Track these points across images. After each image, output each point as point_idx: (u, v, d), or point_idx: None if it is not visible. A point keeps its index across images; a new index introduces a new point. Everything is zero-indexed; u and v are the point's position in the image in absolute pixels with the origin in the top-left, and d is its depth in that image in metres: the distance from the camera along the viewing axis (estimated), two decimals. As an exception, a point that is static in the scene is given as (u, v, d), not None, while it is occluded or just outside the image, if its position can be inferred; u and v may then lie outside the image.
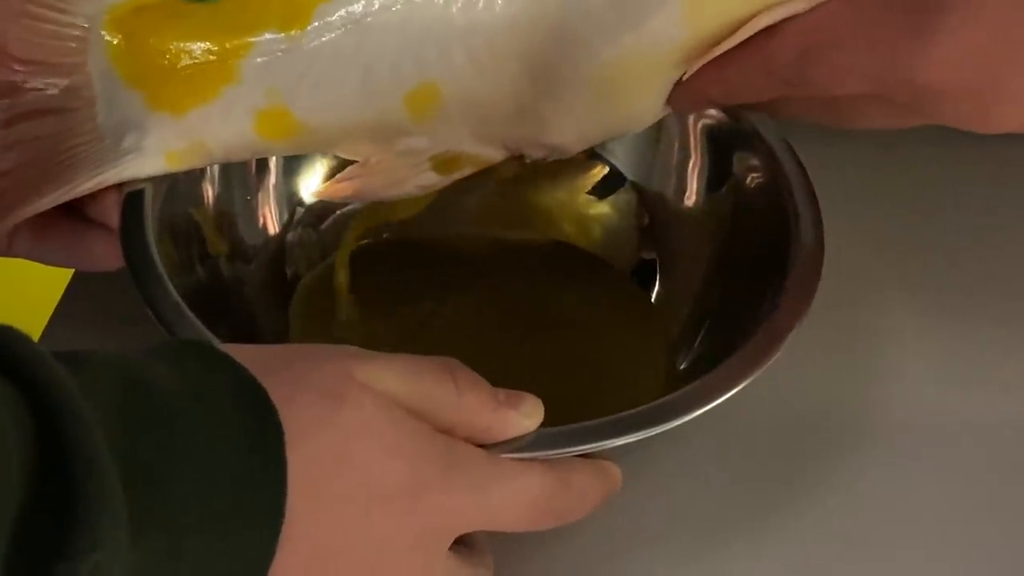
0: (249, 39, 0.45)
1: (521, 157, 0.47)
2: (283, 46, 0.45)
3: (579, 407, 0.48)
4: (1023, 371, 0.53)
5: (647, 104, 0.45)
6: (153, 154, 0.46)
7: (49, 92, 0.45)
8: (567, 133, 0.46)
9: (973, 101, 0.41)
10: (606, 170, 0.55)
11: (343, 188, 0.48)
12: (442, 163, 0.47)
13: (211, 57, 0.45)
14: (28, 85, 0.45)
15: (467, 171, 0.47)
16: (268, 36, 0.45)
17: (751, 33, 0.42)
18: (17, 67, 0.45)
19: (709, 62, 0.43)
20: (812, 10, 0.42)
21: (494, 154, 0.47)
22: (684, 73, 0.44)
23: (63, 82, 0.45)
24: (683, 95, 0.45)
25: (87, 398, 0.34)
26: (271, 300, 0.52)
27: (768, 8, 0.42)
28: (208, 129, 0.45)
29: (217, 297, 0.49)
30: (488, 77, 0.44)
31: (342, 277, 0.52)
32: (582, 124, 0.45)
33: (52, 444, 0.33)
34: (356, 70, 0.45)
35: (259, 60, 0.45)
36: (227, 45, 0.45)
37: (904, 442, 0.51)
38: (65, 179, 0.45)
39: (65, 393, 0.34)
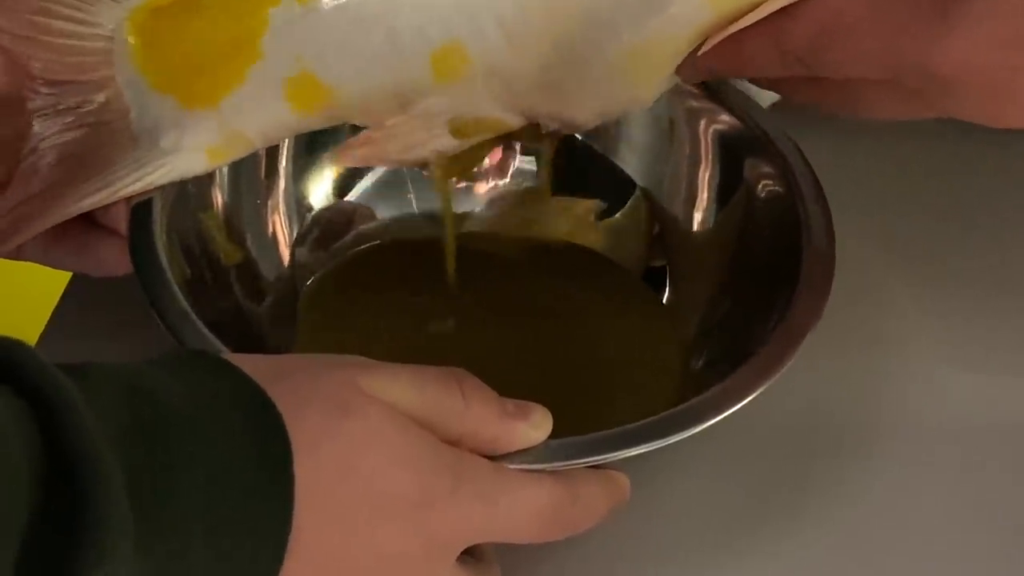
0: (265, 13, 0.44)
1: (537, 126, 0.46)
2: (300, 11, 0.44)
3: (593, 411, 0.48)
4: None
5: (662, 80, 0.45)
6: (195, 151, 0.45)
7: (84, 109, 0.45)
8: (586, 109, 0.46)
9: (988, 95, 0.41)
10: (604, 206, 0.55)
11: (358, 154, 0.47)
12: (460, 127, 0.46)
13: (231, 43, 0.44)
14: (62, 106, 0.45)
15: (484, 136, 0.47)
16: (283, 5, 0.44)
17: (769, 11, 0.42)
18: (44, 90, 0.45)
19: (724, 38, 0.43)
20: None
21: (512, 120, 0.46)
22: (699, 47, 0.43)
23: (98, 97, 0.45)
24: (693, 68, 0.44)
25: (93, 409, 0.34)
26: (279, 307, 0.52)
27: None
28: (243, 116, 0.45)
29: (225, 303, 0.49)
30: (516, 46, 0.44)
31: (450, 232, 0.51)
32: (601, 101, 0.45)
33: (58, 456, 0.33)
34: (380, 29, 0.44)
35: (278, 31, 0.44)
36: (245, 25, 0.44)
37: (918, 445, 0.50)
38: (106, 183, 0.45)
39: (71, 405, 0.34)
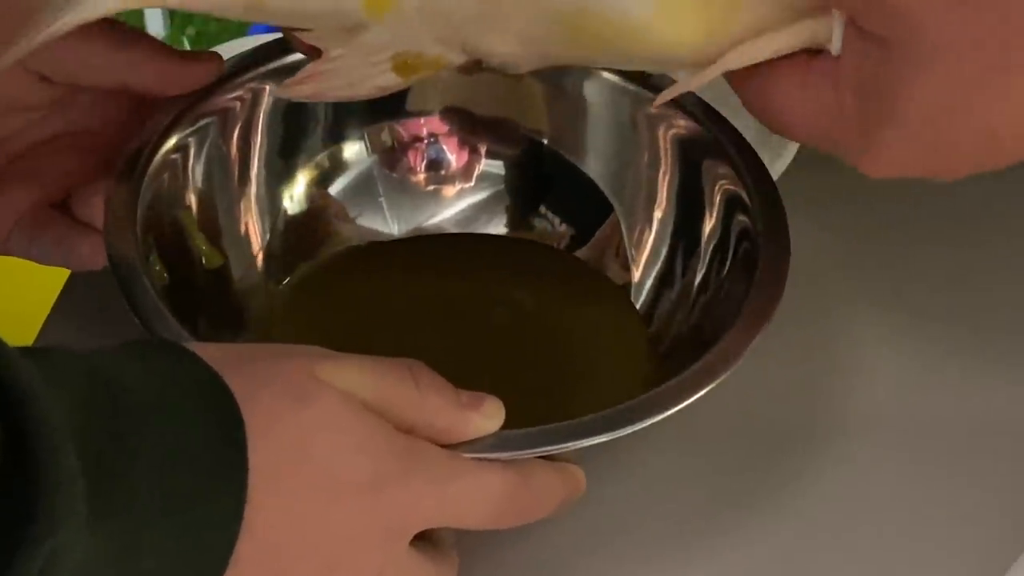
0: None
1: (479, 62, 0.46)
2: None
3: (560, 403, 0.49)
4: (979, 372, 0.54)
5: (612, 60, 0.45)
6: None
7: None
8: (522, 48, 0.45)
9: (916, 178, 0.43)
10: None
11: (303, 88, 0.47)
12: (401, 64, 0.46)
13: None
14: None
15: (425, 73, 0.46)
16: None
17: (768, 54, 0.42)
18: None
19: None
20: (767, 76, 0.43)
21: (453, 57, 0.46)
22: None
23: None
24: None
25: (52, 391, 0.35)
26: (251, 306, 0.53)
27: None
28: None
29: (198, 298, 0.51)
30: None
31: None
32: (540, 46, 0.45)
33: (15, 435, 0.34)
34: None
35: None
36: None
37: (873, 437, 0.52)
38: (30, 25, 0.44)
39: (29, 384, 0.35)
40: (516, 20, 0.44)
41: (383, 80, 0.46)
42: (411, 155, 0.56)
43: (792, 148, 0.57)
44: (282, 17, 0.46)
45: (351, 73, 0.46)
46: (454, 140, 0.56)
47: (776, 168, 0.55)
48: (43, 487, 0.34)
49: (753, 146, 0.52)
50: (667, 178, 0.54)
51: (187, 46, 1.48)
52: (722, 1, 0.42)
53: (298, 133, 0.54)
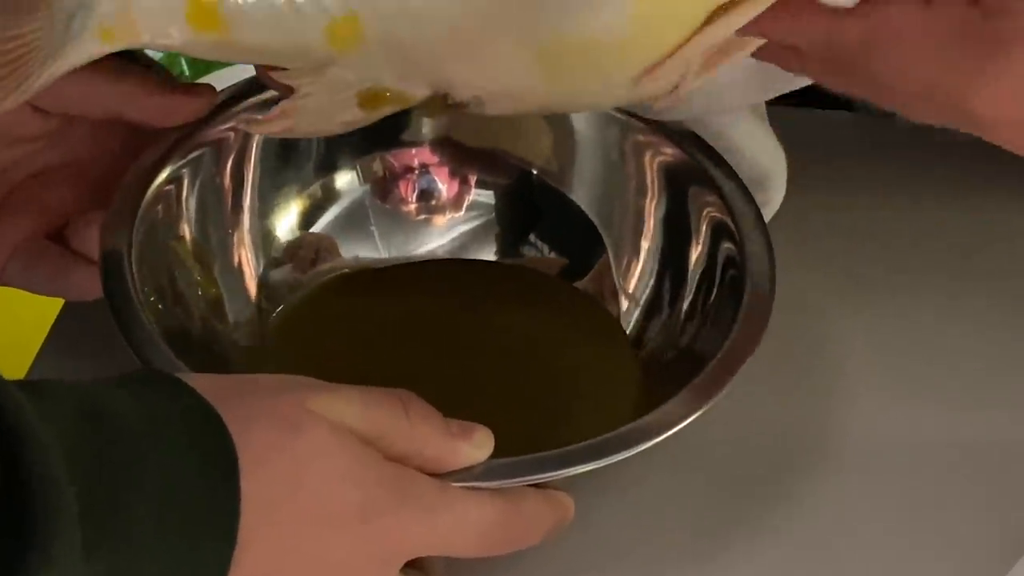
0: None
1: (445, 96, 0.47)
2: None
3: (552, 430, 0.50)
4: (970, 396, 0.55)
5: (586, 92, 0.46)
6: (91, 33, 0.45)
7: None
8: (485, 83, 0.46)
9: (1019, 134, 0.43)
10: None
11: (274, 125, 0.48)
12: (367, 99, 0.47)
13: None
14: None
15: (390, 108, 0.47)
16: None
17: (714, 41, 0.43)
18: None
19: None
20: (884, 4, 0.42)
21: (418, 92, 0.47)
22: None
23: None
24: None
25: (47, 424, 0.36)
26: (246, 335, 0.54)
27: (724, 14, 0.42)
28: (141, 2, 0.45)
29: (192, 329, 0.51)
30: (411, 16, 0.44)
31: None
32: (505, 81, 0.46)
33: (10, 466, 0.35)
34: None
35: None
36: None
37: (859, 463, 0.53)
38: (22, 75, 0.44)
39: (23, 417, 0.36)
40: (482, 53, 0.45)
41: (349, 115, 0.47)
42: (402, 185, 0.57)
43: (778, 197, 0.57)
44: (252, 55, 0.47)
45: (319, 109, 0.47)
46: (445, 170, 0.56)
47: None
48: (39, 518, 0.35)
49: None
50: (654, 206, 0.54)
51: (184, 67, 1.48)
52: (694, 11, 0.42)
53: (291, 164, 0.55)
